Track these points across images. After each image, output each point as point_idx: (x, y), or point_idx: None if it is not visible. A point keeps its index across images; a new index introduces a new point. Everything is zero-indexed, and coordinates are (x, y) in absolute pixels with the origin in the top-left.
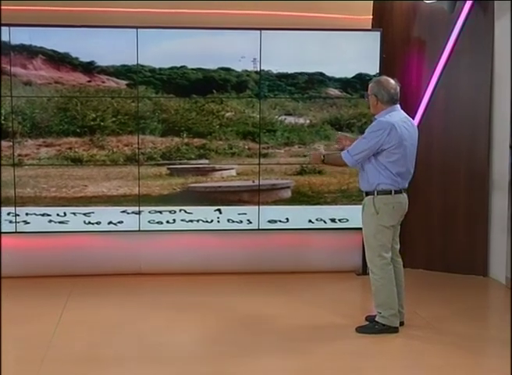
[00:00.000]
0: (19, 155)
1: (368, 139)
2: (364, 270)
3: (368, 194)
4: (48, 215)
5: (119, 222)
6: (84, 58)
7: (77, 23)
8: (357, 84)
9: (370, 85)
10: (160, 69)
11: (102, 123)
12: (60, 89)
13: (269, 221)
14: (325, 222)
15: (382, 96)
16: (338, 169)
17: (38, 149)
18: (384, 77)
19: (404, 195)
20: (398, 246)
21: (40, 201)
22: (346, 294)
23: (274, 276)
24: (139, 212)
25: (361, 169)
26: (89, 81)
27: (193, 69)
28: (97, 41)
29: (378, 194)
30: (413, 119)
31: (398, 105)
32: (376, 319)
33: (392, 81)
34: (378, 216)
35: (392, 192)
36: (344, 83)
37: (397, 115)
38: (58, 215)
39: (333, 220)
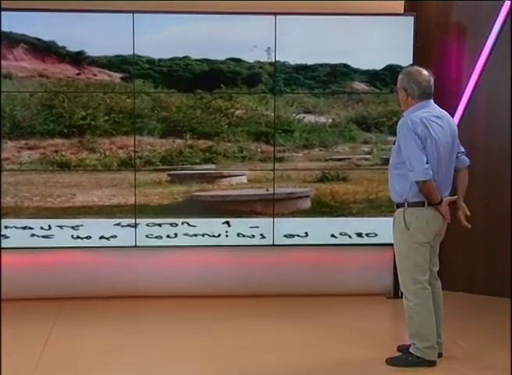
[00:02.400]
0: None
1: (408, 144)
2: (396, 293)
3: (398, 205)
4: (31, 228)
5: (112, 236)
6: (72, 48)
7: (64, 6)
8: (387, 77)
9: (399, 77)
10: (160, 60)
11: (93, 123)
12: (45, 83)
13: (285, 236)
14: (350, 237)
15: (413, 90)
16: (365, 175)
17: (19, 152)
18: (415, 68)
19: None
20: (437, 268)
21: (22, 213)
22: (374, 320)
23: (290, 299)
24: (135, 225)
25: (390, 175)
26: (78, 74)
27: (197, 60)
28: (88, 27)
29: (409, 206)
30: (452, 116)
31: (431, 101)
32: (410, 350)
33: (424, 72)
34: (410, 231)
35: (426, 204)
36: (372, 76)
37: (428, 110)
38: (41, 228)
39: (360, 235)
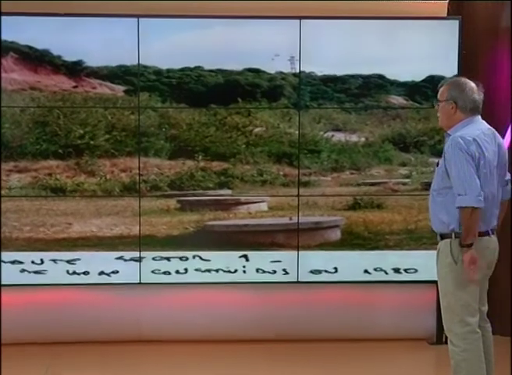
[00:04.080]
0: None
1: (460, 167)
2: (439, 338)
3: (443, 236)
4: (20, 262)
5: (113, 272)
6: (69, 57)
7: (60, 10)
8: (428, 90)
9: (443, 87)
10: (168, 70)
11: (92, 142)
12: (37, 97)
13: (312, 271)
14: (386, 273)
15: (465, 103)
16: (402, 202)
17: (8, 176)
18: (463, 78)
19: (493, 238)
20: (485, 308)
21: (10, 245)
22: (414, 369)
23: (318, 345)
24: (140, 259)
25: (432, 202)
26: (75, 87)
27: (211, 70)
28: (86, 33)
29: (456, 236)
30: (502, 135)
31: (479, 116)
32: None
33: (473, 84)
34: (458, 266)
35: (476, 234)
36: (411, 89)
37: (478, 127)
38: (33, 262)
39: (397, 271)
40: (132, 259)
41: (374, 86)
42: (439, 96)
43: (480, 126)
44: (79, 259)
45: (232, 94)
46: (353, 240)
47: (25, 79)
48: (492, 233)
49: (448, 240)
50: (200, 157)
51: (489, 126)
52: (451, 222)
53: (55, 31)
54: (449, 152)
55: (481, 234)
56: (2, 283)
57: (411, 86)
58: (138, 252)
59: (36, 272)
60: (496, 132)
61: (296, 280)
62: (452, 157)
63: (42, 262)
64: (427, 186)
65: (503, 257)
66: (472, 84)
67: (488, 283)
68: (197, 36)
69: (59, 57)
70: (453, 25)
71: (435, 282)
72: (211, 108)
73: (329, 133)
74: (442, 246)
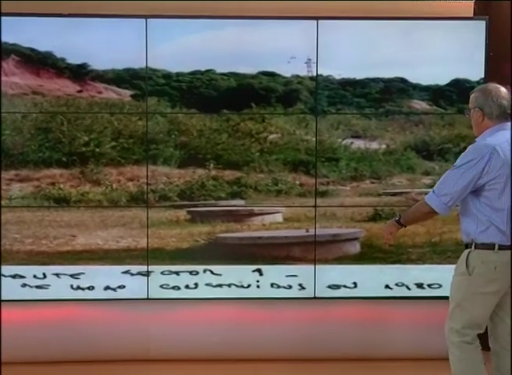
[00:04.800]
0: None
1: (460, 172)
2: None
3: (466, 246)
4: (22, 276)
5: (119, 286)
6: (73, 60)
7: (63, 10)
8: (453, 94)
9: (472, 95)
10: (178, 74)
11: (97, 149)
12: (40, 102)
13: (330, 286)
14: (408, 288)
15: (491, 109)
16: None
17: (9, 185)
18: (492, 84)
19: None
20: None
21: (11, 258)
22: None
23: (335, 364)
24: (147, 274)
25: (460, 212)
26: (79, 91)
27: (223, 74)
28: (91, 35)
29: (476, 247)
30: None
31: (510, 123)
32: None
33: (503, 89)
34: (471, 277)
35: (496, 246)
36: (435, 93)
37: (506, 134)
38: (35, 277)
39: (420, 286)
40: (139, 273)
41: (395, 90)
42: (469, 104)
43: (507, 135)
44: (83, 273)
45: (245, 99)
46: (373, 253)
47: (27, 83)
48: None
49: (468, 250)
50: (212, 165)
51: None
52: (470, 231)
53: (58, 32)
54: (462, 155)
55: (505, 247)
56: (2, 298)
57: (435, 90)
58: (146, 266)
59: (38, 286)
60: None
61: (312, 295)
62: (460, 161)
63: (44, 276)
64: None
65: None
66: (500, 89)
67: None
68: (208, 37)
69: (63, 60)
70: (480, 25)
71: None
72: (223, 114)
73: (348, 140)
74: (462, 255)
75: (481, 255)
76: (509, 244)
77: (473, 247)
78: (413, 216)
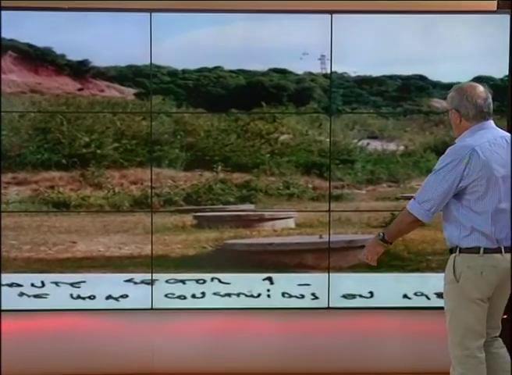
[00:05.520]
0: None
1: (441, 176)
2: None
3: (451, 251)
4: (19, 285)
5: (122, 296)
6: (74, 56)
7: (64, 4)
8: None
9: (448, 96)
10: (184, 71)
11: (99, 151)
12: (38, 101)
13: (344, 296)
14: (428, 298)
15: (467, 109)
16: None
17: (6, 189)
18: (468, 83)
19: (506, 256)
20: (497, 331)
21: (8, 265)
22: None
23: None
24: (152, 282)
25: (442, 218)
26: (80, 89)
27: (232, 71)
28: (93, 30)
29: (460, 252)
30: None
31: (490, 122)
32: None
33: (480, 87)
34: (460, 284)
35: (481, 250)
36: None
37: (485, 134)
38: (33, 285)
39: (440, 296)
40: (143, 282)
41: (414, 88)
42: (447, 105)
43: (487, 135)
44: (84, 282)
45: (255, 98)
46: (390, 261)
47: (25, 80)
48: (508, 251)
49: (453, 255)
50: (220, 168)
51: (504, 133)
52: (453, 234)
53: (58, 27)
54: (440, 158)
55: (491, 251)
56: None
57: None
58: (150, 274)
59: (36, 296)
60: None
61: (326, 305)
62: (439, 164)
63: (43, 284)
64: None
65: None
66: (476, 88)
67: (503, 309)
68: (216, 32)
69: (63, 56)
70: (504, 20)
71: None
72: (231, 114)
73: (364, 141)
74: (448, 261)
75: (467, 259)
76: (495, 247)
77: (457, 251)
78: (397, 230)
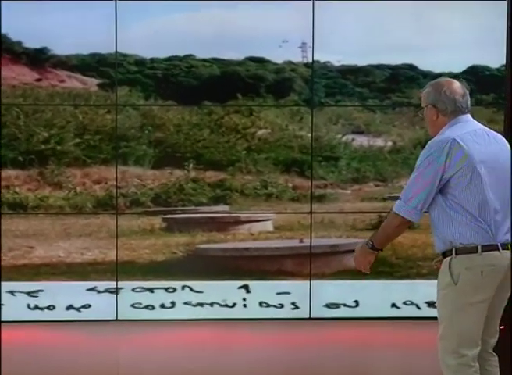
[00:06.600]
0: None
1: (421, 170)
2: None
3: (444, 255)
4: None
5: (84, 306)
6: (31, 44)
7: None
8: (470, 83)
9: (424, 91)
10: (152, 60)
11: (59, 147)
12: None
13: (327, 305)
14: (418, 307)
15: (445, 105)
16: None
17: None
18: (444, 78)
19: (504, 254)
20: (494, 340)
21: None
22: None
23: None
24: (117, 291)
25: (430, 219)
26: (39, 80)
27: (205, 60)
28: (53, 15)
29: (457, 253)
30: None
31: (468, 115)
32: None
33: (457, 83)
34: (458, 287)
35: (479, 249)
36: None
37: (464, 127)
38: None
39: (432, 304)
40: (107, 291)
41: (403, 78)
42: (422, 103)
43: (466, 127)
44: (42, 291)
45: (230, 89)
46: (378, 267)
47: None
48: (506, 248)
49: (448, 257)
50: (191, 166)
51: (483, 127)
52: (447, 235)
53: (15, 13)
54: (421, 154)
55: (490, 248)
56: None
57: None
58: (115, 282)
59: None
60: (493, 132)
61: (308, 316)
62: (420, 160)
63: None
64: None
65: None
66: (453, 83)
67: (501, 312)
68: (188, 18)
69: (19, 43)
70: (501, 6)
71: None
72: (204, 106)
73: (349, 137)
74: (442, 265)
75: (465, 260)
76: (492, 243)
77: (453, 253)
78: (386, 235)
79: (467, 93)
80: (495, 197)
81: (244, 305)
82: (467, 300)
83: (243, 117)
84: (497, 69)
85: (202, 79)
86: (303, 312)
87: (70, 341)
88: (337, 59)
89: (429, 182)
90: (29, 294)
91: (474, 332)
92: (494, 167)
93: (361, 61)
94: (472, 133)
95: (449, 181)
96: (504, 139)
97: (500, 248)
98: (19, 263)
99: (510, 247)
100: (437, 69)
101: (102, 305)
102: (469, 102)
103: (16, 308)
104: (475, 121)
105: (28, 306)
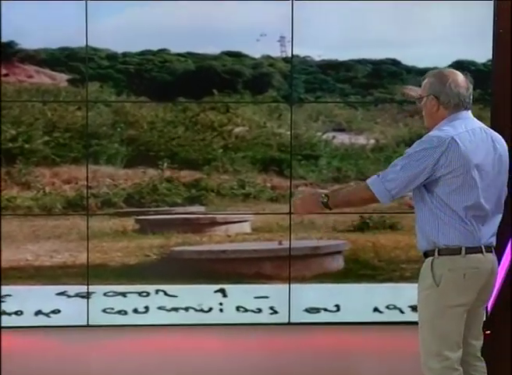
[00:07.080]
0: None
1: (412, 159)
2: None
3: (426, 255)
4: None
5: (53, 311)
6: None
7: None
8: None
9: (425, 81)
10: (124, 54)
11: (27, 146)
12: None
13: (307, 310)
14: (401, 311)
15: (448, 97)
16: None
17: None
18: (448, 69)
19: (488, 257)
20: (479, 342)
21: None
22: None
23: None
24: (88, 295)
25: (416, 217)
26: (6, 75)
27: (179, 54)
28: (20, 8)
29: (440, 254)
30: None
31: (468, 112)
32: None
33: (461, 76)
34: (440, 288)
35: (463, 250)
36: None
37: (464, 124)
38: None
39: (416, 308)
40: (78, 295)
41: (386, 74)
42: (420, 91)
43: (466, 124)
44: (9, 296)
45: (206, 85)
46: (359, 270)
47: None
48: (489, 251)
49: (430, 258)
50: (166, 165)
51: (482, 125)
52: (432, 234)
53: None
54: (415, 144)
55: (474, 251)
56: None
57: None
58: (86, 286)
59: None
60: (492, 131)
61: (287, 320)
62: (413, 149)
63: None
64: None
65: None
66: (458, 76)
67: (484, 313)
68: (162, 11)
69: None
70: (487, 0)
71: None
72: (179, 103)
73: (330, 134)
74: (424, 266)
75: (447, 261)
76: (476, 245)
77: (436, 253)
78: (347, 201)
79: (471, 87)
80: (485, 200)
81: (221, 310)
82: (448, 302)
83: (220, 114)
84: (483, 64)
85: (177, 74)
86: (282, 317)
87: (39, 348)
88: (317, 54)
89: (415, 173)
90: None
91: (455, 335)
92: (487, 170)
93: (342, 55)
94: (471, 132)
95: (439, 180)
96: (501, 138)
97: (484, 250)
98: None
99: (493, 250)
100: (421, 64)
101: (73, 310)
102: (471, 97)
103: None
104: (475, 119)
105: None
